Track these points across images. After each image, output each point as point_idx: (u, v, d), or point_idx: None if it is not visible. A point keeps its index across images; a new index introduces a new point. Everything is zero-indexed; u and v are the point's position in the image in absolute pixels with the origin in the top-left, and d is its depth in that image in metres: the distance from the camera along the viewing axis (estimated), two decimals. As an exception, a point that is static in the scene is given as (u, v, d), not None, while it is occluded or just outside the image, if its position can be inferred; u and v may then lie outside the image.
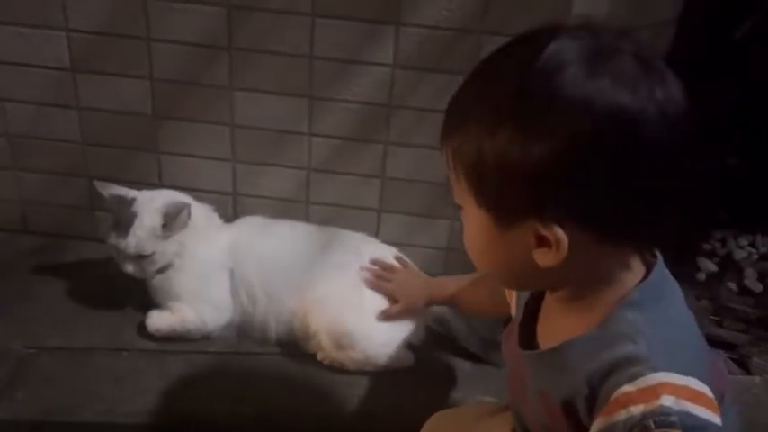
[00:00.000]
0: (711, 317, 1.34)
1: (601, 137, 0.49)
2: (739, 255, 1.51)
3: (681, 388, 0.50)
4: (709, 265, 1.47)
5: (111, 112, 1.24)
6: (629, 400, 0.50)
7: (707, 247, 1.52)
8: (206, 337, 1.14)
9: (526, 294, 0.67)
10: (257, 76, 1.19)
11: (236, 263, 1.13)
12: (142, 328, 1.13)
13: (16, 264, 1.28)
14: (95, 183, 1.13)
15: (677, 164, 0.51)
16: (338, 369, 1.09)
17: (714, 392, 0.52)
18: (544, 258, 0.53)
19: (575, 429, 0.57)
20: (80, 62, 1.20)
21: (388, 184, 1.27)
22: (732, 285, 1.43)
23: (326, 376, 1.09)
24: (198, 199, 1.18)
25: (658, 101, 0.49)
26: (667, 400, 0.49)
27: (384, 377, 1.09)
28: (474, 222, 0.56)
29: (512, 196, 0.52)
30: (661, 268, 0.59)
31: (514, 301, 0.71)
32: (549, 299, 0.64)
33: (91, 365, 1.08)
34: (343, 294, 1.08)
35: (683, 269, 1.44)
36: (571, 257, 0.52)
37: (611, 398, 0.51)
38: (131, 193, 1.13)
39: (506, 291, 0.75)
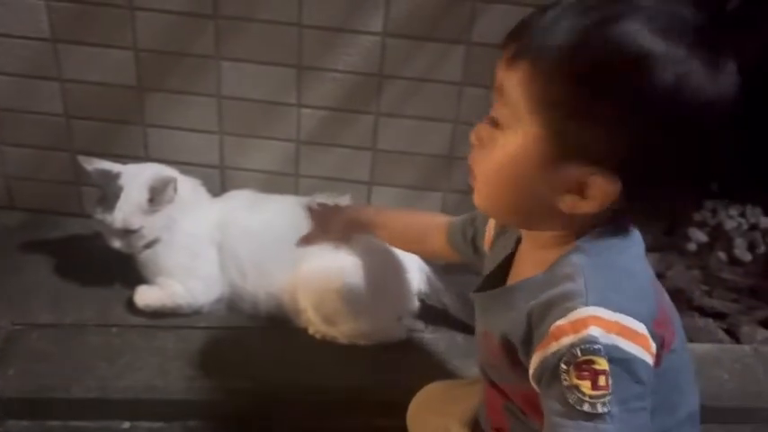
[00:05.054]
0: (702, 286, 1.34)
1: (694, 128, 0.52)
2: (730, 225, 1.52)
3: (610, 323, 0.52)
4: (700, 236, 1.48)
5: (94, 84, 1.21)
6: (561, 333, 0.53)
7: (698, 217, 1.53)
8: (197, 312, 1.13)
9: (505, 251, 0.69)
10: (244, 45, 1.16)
11: (224, 237, 1.12)
12: (132, 304, 1.12)
13: (2, 240, 1.26)
14: (79, 158, 1.11)
15: (728, 150, 0.55)
16: (330, 342, 1.09)
17: (653, 336, 0.54)
18: (571, 205, 0.56)
19: (511, 366, 0.61)
20: (61, 32, 1.17)
21: (379, 156, 1.26)
22: (722, 255, 1.44)
23: (319, 350, 1.08)
24: (185, 172, 1.16)
25: (734, 84, 0.53)
26: (595, 331, 0.52)
27: (377, 350, 1.09)
28: (510, 145, 0.56)
29: (589, 143, 0.53)
30: (622, 222, 0.61)
31: (489, 255, 0.74)
32: (522, 247, 0.67)
33: (81, 342, 1.07)
34: (331, 269, 1.07)
35: (674, 239, 1.46)
36: (595, 212, 0.55)
37: (548, 332, 0.54)
38: (116, 167, 1.11)
39: (485, 241, 0.77)
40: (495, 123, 0.58)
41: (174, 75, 1.20)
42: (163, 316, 1.12)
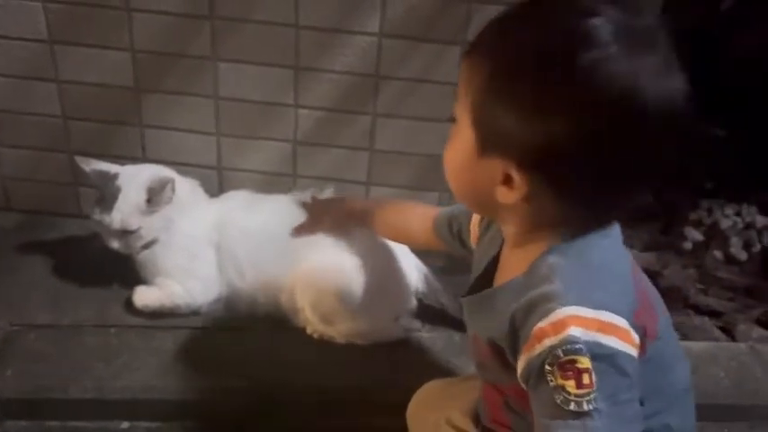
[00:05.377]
0: (698, 285, 1.35)
1: (608, 120, 0.52)
2: (725, 224, 1.52)
3: (589, 320, 0.53)
4: (696, 235, 1.48)
5: (91, 85, 1.21)
6: (543, 335, 0.54)
7: (693, 216, 1.53)
8: (195, 313, 1.13)
9: (491, 252, 0.69)
10: (241, 46, 1.17)
11: (222, 238, 1.12)
12: (130, 305, 1.12)
13: (0, 241, 1.26)
14: (77, 158, 1.11)
15: (664, 150, 0.55)
16: (328, 342, 1.09)
17: (635, 328, 0.55)
18: (502, 195, 0.58)
19: (502, 367, 0.63)
20: (58, 33, 1.17)
21: (376, 156, 1.26)
22: (718, 254, 1.44)
23: (317, 349, 1.09)
24: (183, 173, 1.16)
25: (670, 89, 0.52)
26: (575, 331, 0.53)
27: (375, 350, 1.09)
28: (461, 138, 0.60)
29: (502, 133, 0.55)
30: (596, 218, 0.61)
31: (475, 252, 0.75)
32: (504, 249, 0.68)
33: (79, 342, 1.07)
34: (328, 269, 1.07)
35: (670, 238, 1.47)
36: (528, 205, 0.57)
37: (531, 335, 0.55)
38: (114, 168, 1.11)
39: (471, 238, 0.78)
40: (453, 119, 0.61)
41: (171, 76, 1.20)
42: (161, 316, 1.12)
